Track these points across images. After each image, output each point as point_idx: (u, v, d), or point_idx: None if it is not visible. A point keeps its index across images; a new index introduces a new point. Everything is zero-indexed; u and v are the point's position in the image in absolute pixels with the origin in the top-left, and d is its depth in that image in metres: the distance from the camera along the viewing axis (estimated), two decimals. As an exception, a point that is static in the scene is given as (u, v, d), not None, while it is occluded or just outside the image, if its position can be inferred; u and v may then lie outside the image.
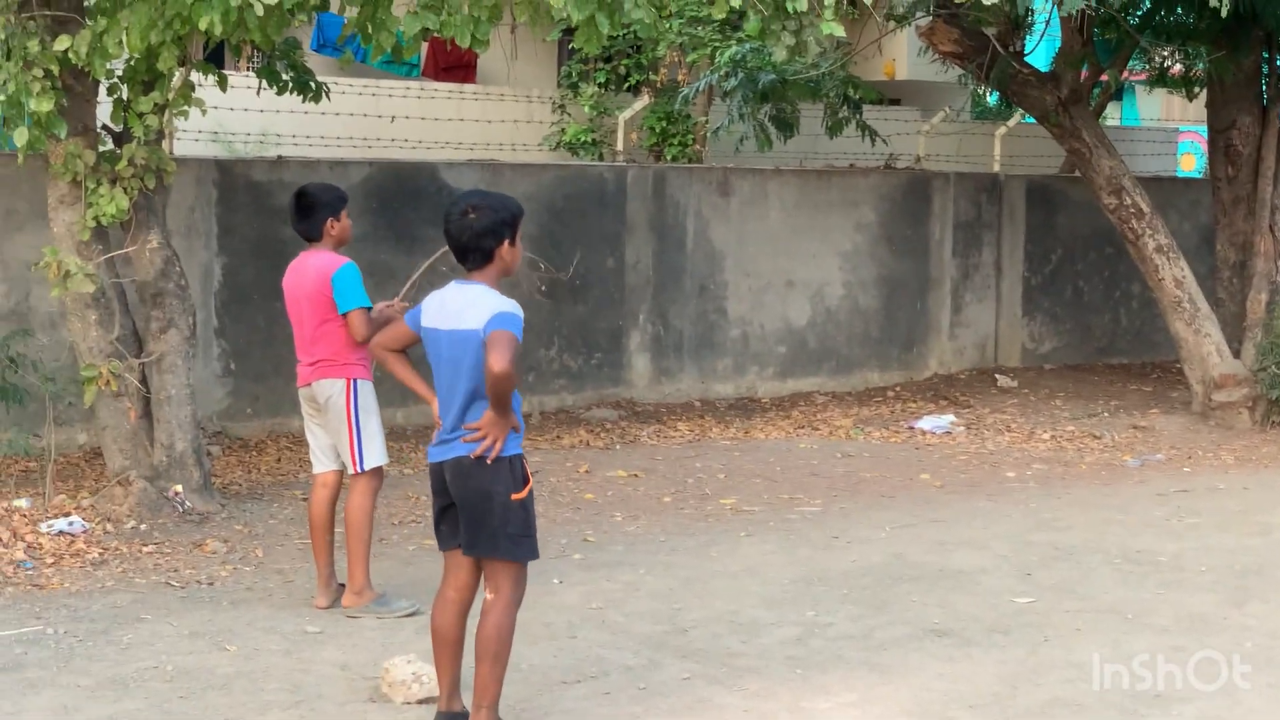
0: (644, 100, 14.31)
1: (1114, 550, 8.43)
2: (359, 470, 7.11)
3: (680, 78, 14.95)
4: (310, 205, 7.16)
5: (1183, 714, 5.95)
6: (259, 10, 7.25)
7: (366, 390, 7.14)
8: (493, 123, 13.87)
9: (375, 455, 7.15)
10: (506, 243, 5.41)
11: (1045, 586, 7.72)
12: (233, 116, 11.22)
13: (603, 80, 14.97)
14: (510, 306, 5.29)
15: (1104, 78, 13.73)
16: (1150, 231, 12.26)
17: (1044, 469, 10.85)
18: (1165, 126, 23.15)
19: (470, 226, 5.36)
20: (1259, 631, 7.00)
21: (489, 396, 5.24)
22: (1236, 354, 12.26)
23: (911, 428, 12.13)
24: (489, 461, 5.30)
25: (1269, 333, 12.09)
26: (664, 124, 14.77)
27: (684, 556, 8.30)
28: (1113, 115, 25.91)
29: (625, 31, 10.97)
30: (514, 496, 5.36)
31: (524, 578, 5.51)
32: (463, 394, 5.36)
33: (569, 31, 8.14)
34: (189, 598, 7.40)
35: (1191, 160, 21.39)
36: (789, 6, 7.70)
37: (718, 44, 13.55)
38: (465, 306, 5.32)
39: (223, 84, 9.18)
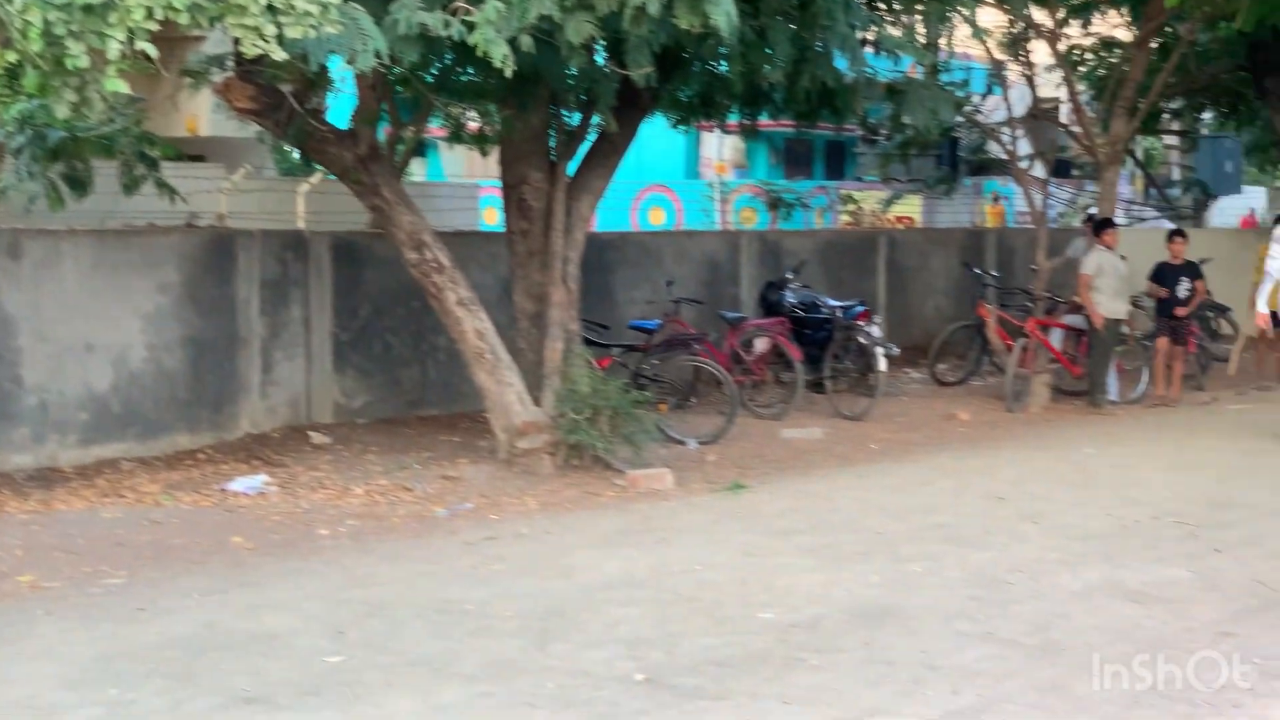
0: (-74, 158, 13.44)
1: (424, 602, 8.53)
2: None
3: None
4: None
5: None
6: None
7: None
8: None
9: None
10: None
11: (357, 644, 7.71)
12: None
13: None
14: None
15: (406, 134, 13.96)
16: (451, 285, 12.51)
17: (357, 525, 10.85)
18: (468, 182, 23.87)
19: None
20: (561, 671, 7.24)
21: None
22: (538, 402, 12.69)
23: (223, 490, 11.88)
24: None
25: (566, 380, 12.59)
26: (-51, 184, 13.92)
27: (-25, 643, 7.80)
28: (418, 171, 26.55)
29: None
30: None
31: None
32: None
33: None
34: None
35: (495, 214, 22.08)
36: (68, 63, 7.41)
37: (3, 99, 12.88)
38: None
39: None
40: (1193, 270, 17.12)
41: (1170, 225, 25.16)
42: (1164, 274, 17.12)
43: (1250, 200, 32.87)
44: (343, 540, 10.37)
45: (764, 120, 16.06)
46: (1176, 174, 31.24)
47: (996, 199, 28.80)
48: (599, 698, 6.84)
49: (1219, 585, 8.75)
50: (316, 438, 13.97)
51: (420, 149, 22.48)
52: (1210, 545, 9.78)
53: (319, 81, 12.01)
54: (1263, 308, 14.54)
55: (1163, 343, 16.92)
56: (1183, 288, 16.93)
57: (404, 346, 15.39)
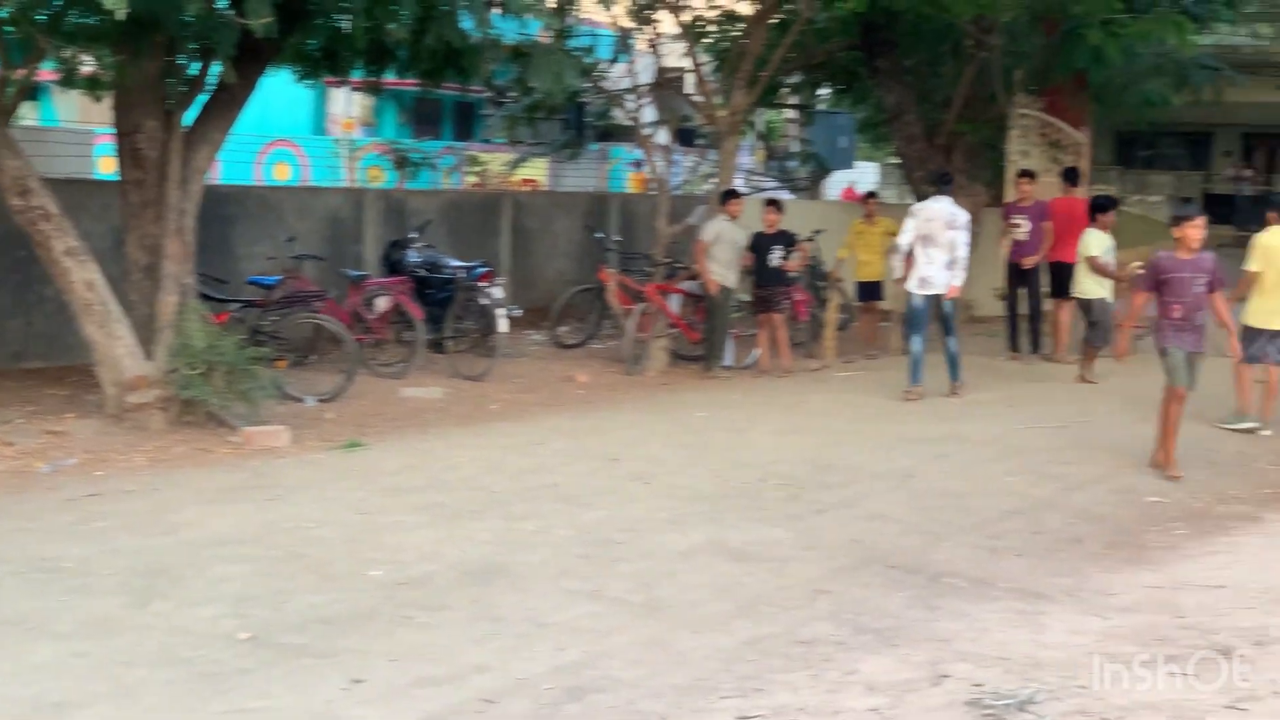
0: None
1: (19, 559, 8.23)
2: None
3: None
4: None
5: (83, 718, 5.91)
6: None
7: None
8: None
9: None
10: None
11: (-56, 603, 7.41)
12: None
13: None
14: None
15: (16, 76, 13.34)
16: (59, 234, 12.05)
17: (-49, 480, 10.42)
18: (83, 128, 23.01)
19: None
20: (162, 630, 7.09)
21: None
22: (150, 356, 12.34)
23: None
24: None
25: (180, 334, 12.27)
26: None
27: None
28: (30, 115, 25.47)
29: None
30: None
31: None
32: None
33: None
34: None
35: (112, 163, 21.34)
36: None
37: None
38: None
39: None
40: (786, 239, 17.32)
41: (789, 195, 25.98)
42: (757, 243, 17.26)
43: (862, 175, 34.23)
44: (-66, 497, 9.94)
45: (390, 78, 15.92)
46: (796, 147, 32.27)
47: (639, 166, 29.22)
48: (201, 656, 6.72)
49: (818, 544, 9.08)
50: (-91, 390, 13.32)
51: (32, 92, 21.53)
52: (812, 506, 10.14)
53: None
54: (898, 277, 15.28)
55: (765, 317, 17.18)
56: (775, 256, 17.13)
57: (7, 296, 14.78)
